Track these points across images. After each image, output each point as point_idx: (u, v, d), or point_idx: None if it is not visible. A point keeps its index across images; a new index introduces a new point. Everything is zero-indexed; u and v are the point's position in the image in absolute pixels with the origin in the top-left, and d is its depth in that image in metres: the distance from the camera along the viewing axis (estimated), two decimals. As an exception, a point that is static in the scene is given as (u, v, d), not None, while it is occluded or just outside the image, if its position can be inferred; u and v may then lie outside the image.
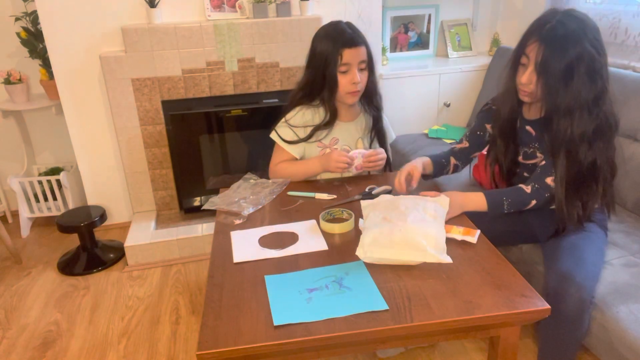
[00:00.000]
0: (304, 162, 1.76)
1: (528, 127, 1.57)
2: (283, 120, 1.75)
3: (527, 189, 1.48)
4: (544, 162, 1.49)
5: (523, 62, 1.42)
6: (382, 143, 1.83)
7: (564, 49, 1.32)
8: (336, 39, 1.60)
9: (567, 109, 1.37)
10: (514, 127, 1.59)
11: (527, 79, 1.40)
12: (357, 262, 1.26)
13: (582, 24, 1.34)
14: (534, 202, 1.48)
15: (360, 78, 1.63)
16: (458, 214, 1.47)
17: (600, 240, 1.51)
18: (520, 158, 1.62)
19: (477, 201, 1.49)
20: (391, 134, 1.89)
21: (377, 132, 1.80)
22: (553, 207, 1.49)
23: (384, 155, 1.72)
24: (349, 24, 1.66)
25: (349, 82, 1.63)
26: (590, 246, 1.46)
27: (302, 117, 1.73)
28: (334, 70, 1.62)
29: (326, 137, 1.75)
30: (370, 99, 1.75)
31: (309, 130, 1.72)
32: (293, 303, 1.12)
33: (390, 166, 1.86)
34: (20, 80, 2.51)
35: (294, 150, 1.75)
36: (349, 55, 1.60)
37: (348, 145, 1.78)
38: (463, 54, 3.02)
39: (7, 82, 2.49)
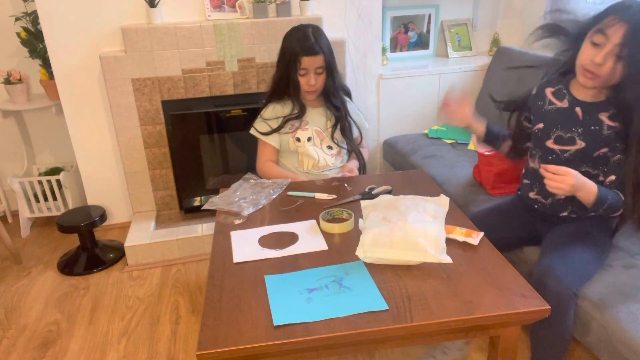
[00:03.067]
0: (283, 173, 1.94)
1: (577, 109, 1.45)
2: (259, 117, 1.99)
3: (621, 195, 1.39)
4: (613, 177, 1.40)
5: (597, 42, 1.31)
6: (347, 136, 2.00)
7: None
8: (299, 45, 1.82)
9: None
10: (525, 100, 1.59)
11: (602, 58, 1.30)
12: (357, 262, 1.26)
13: None
14: (620, 211, 1.41)
15: (316, 81, 1.87)
16: (568, 192, 1.33)
17: (599, 241, 1.51)
18: (550, 142, 1.51)
19: (586, 194, 1.36)
20: (363, 124, 2.08)
21: (342, 128, 1.98)
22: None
23: (355, 172, 1.92)
24: (314, 32, 1.85)
25: (305, 83, 1.87)
26: (582, 244, 1.45)
27: (272, 110, 1.97)
28: (295, 73, 1.86)
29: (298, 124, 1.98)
30: (328, 98, 1.96)
31: (280, 121, 1.93)
32: (293, 303, 1.12)
33: (364, 169, 2.04)
34: (20, 80, 2.51)
35: (271, 140, 1.96)
36: (307, 62, 1.83)
37: (318, 127, 1.97)
38: (463, 54, 3.02)
39: (7, 82, 2.49)
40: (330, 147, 1.97)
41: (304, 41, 1.82)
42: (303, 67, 1.83)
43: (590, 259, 1.45)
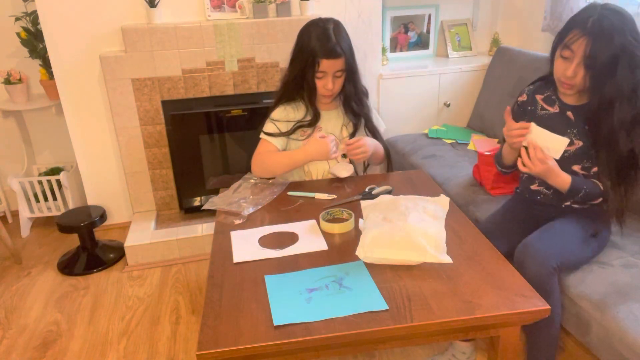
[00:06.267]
0: (289, 152, 1.77)
1: (568, 113, 1.55)
2: (268, 119, 1.81)
3: (600, 185, 1.52)
4: (596, 168, 1.51)
5: (566, 56, 1.43)
6: (374, 135, 1.86)
7: (609, 39, 1.35)
8: (319, 45, 1.64)
9: (610, 100, 1.41)
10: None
11: (572, 71, 1.42)
12: (357, 262, 1.26)
13: (621, 16, 1.38)
14: (600, 200, 1.55)
15: (334, 84, 1.70)
16: (542, 175, 1.48)
17: (597, 228, 1.54)
18: None
19: (561, 181, 1.49)
20: (381, 125, 1.92)
21: (371, 131, 1.84)
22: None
23: (363, 143, 1.71)
24: (335, 29, 1.67)
25: (323, 86, 1.70)
26: (569, 228, 1.51)
27: (283, 111, 1.79)
28: (312, 75, 1.68)
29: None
30: (348, 103, 1.79)
31: (291, 125, 1.76)
32: (293, 303, 1.12)
33: (391, 162, 1.90)
34: (20, 80, 2.51)
35: (276, 142, 1.77)
36: (326, 65, 1.66)
37: (333, 134, 1.80)
38: (463, 54, 3.02)
39: (7, 82, 2.49)
40: (345, 156, 1.78)
41: (324, 41, 1.63)
42: (321, 69, 1.66)
43: (576, 239, 1.49)
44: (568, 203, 1.59)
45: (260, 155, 1.77)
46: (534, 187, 1.65)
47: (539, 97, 1.62)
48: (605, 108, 1.42)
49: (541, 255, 1.41)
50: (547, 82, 1.61)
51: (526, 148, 1.49)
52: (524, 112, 1.63)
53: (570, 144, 1.52)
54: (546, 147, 1.45)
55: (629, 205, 1.53)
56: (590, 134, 1.50)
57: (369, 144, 1.74)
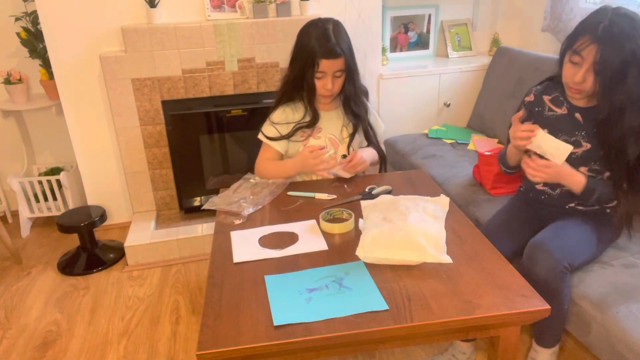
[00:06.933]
0: (282, 163, 1.80)
1: (577, 115, 1.53)
2: (267, 120, 1.81)
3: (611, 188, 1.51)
4: (608, 173, 1.50)
5: (575, 61, 1.42)
6: (370, 142, 1.86)
7: (620, 46, 1.33)
8: (318, 45, 1.64)
9: (620, 107, 1.39)
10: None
11: (581, 77, 1.41)
12: (357, 262, 1.26)
13: (632, 21, 1.35)
14: (614, 203, 1.53)
15: (333, 84, 1.70)
16: (553, 179, 1.49)
17: (600, 229, 1.54)
18: None
19: (575, 182, 1.49)
20: (379, 126, 1.91)
21: (365, 133, 1.84)
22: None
23: (362, 159, 1.73)
24: (335, 29, 1.68)
25: (322, 86, 1.71)
26: (578, 229, 1.51)
27: (282, 113, 1.79)
28: (311, 76, 1.69)
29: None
30: (347, 103, 1.79)
31: (290, 127, 1.77)
32: (293, 303, 1.12)
33: (385, 164, 1.90)
34: (20, 80, 2.51)
35: (277, 146, 1.79)
36: (326, 65, 1.66)
37: (333, 135, 1.81)
38: (463, 54, 3.02)
39: (7, 82, 2.49)
40: (345, 157, 1.78)
41: (323, 41, 1.64)
42: (321, 70, 1.66)
43: (585, 239, 1.50)
44: (572, 205, 1.58)
45: (260, 163, 1.81)
46: (538, 187, 1.64)
47: (546, 98, 1.59)
48: (615, 114, 1.41)
49: (553, 254, 1.40)
50: (554, 82, 1.58)
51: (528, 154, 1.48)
52: (530, 113, 1.61)
53: (578, 146, 1.51)
54: (550, 152, 1.44)
55: (637, 210, 1.52)
56: (599, 139, 1.48)
57: (366, 156, 1.76)
